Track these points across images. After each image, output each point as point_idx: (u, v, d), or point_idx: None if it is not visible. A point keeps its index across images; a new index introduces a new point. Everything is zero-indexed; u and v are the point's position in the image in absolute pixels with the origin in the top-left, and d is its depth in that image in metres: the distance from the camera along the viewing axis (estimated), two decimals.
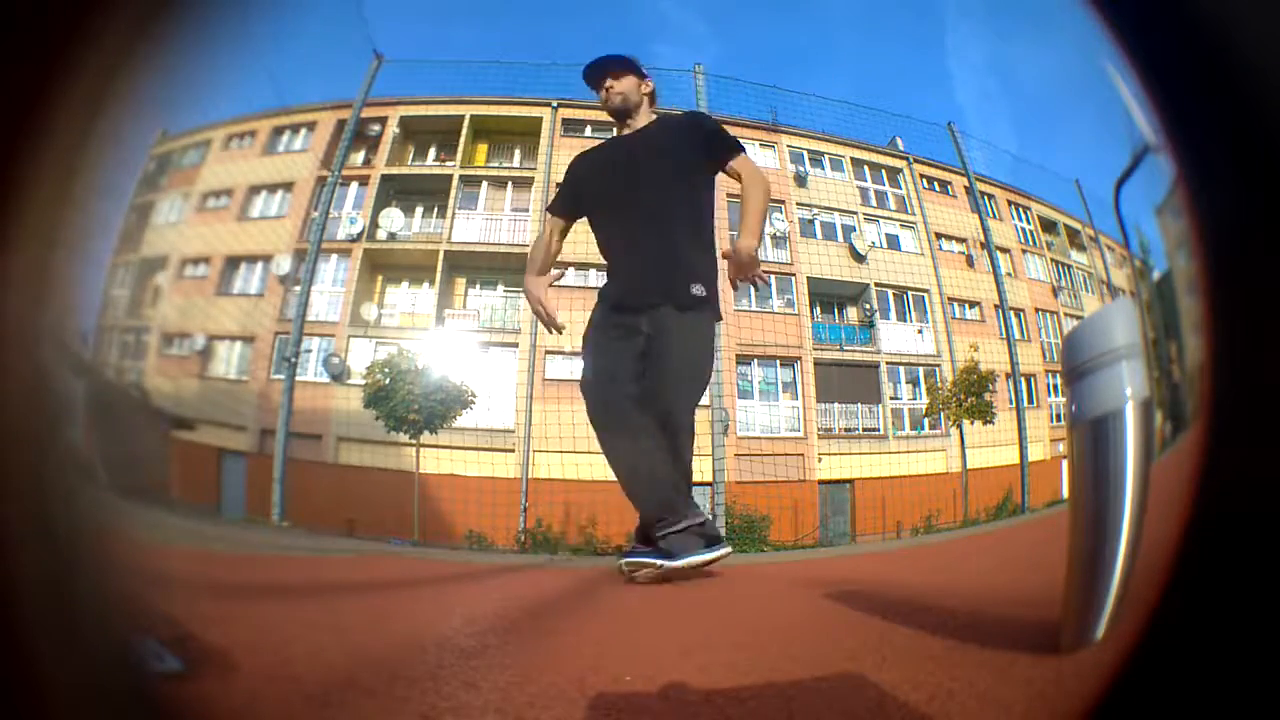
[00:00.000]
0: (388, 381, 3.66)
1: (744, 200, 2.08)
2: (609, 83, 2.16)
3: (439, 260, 4.66)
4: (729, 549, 1.95)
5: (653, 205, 2.07)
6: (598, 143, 2.37)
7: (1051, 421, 4.11)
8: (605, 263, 2.20)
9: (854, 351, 4.74)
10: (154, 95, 0.57)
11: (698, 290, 2.00)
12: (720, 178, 2.19)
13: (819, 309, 4.77)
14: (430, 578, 1.99)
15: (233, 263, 3.92)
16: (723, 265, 2.08)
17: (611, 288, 2.14)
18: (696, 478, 3.73)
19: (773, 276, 4.72)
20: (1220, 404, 0.55)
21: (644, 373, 2.01)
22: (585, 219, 2.27)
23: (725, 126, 2.24)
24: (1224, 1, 0.50)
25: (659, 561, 1.84)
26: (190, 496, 2.68)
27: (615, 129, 2.25)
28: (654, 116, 2.23)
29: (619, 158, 2.20)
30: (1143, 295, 0.93)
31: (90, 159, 0.51)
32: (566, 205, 2.29)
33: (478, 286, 4.80)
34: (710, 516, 2.10)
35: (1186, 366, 0.70)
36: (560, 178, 2.37)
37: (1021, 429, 3.95)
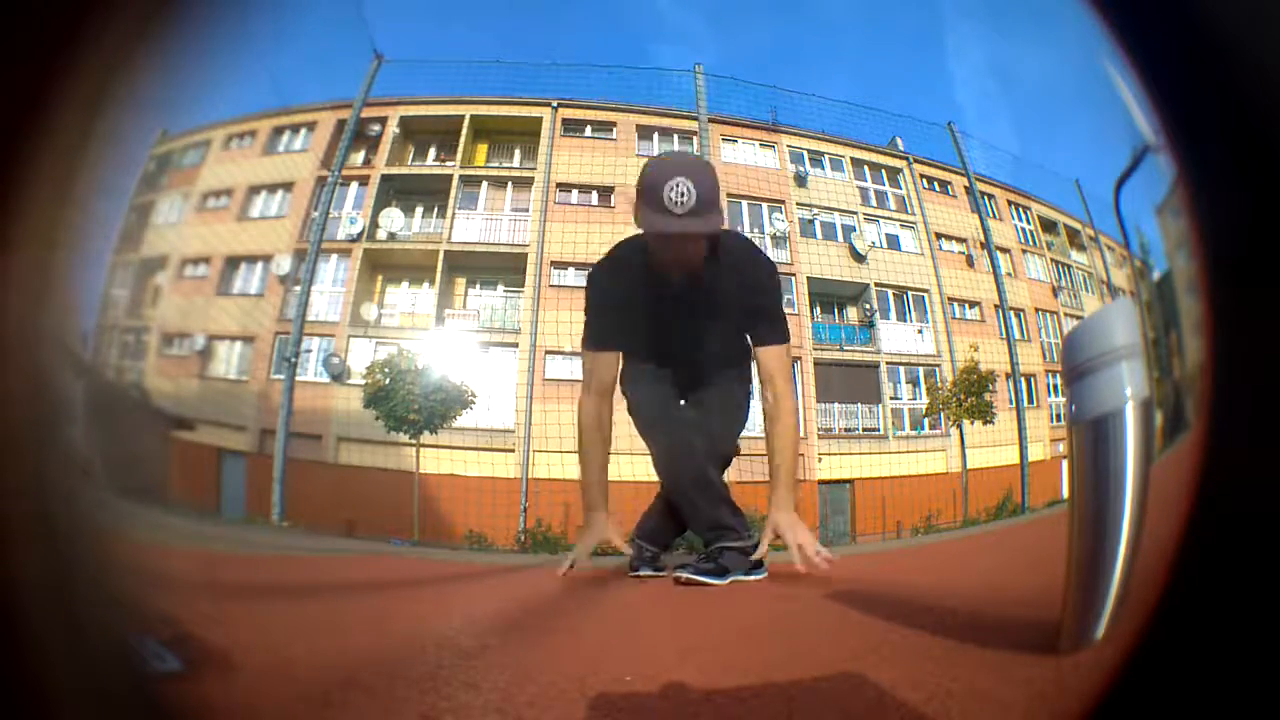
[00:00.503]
0: (388, 381, 3.65)
1: (772, 437, 1.97)
2: (683, 247, 1.69)
3: (439, 260, 4.66)
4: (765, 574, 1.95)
5: (701, 343, 1.94)
6: (625, 257, 1.90)
7: (1051, 421, 4.10)
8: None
9: (854, 351, 4.74)
10: (154, 95, 0.57)
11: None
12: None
13: (819, 309, 4.77)
14: (430, 578, 1.99)
15: (233, 263, 3.92)
16: None
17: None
18: None
19: None
20: (1220, 404, 0.55)
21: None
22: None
23: (777, 306, 1.97)
24: (1224, 1, 0.50)
25: (716, 582, 1.81)
26: (190, 496, 2.67)
27: (640, 267, 1.83)
28: (712, 247, 1.79)
29: (671, 312, 1.88)
30: (1143, 295, 0.92)
31: (90, 159, 0.51)
32: (613, 333, 1.92)
33: (478, 286, 4.80)
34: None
35: (1186, 366, 0.70)
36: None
37: (1021, 429, 3.95)
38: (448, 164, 4.95)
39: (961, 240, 4.89)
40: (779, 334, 1.91)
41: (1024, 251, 4.80)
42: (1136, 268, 0.96)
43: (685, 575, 1.81)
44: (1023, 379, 4.18)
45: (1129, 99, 0.61)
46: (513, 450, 4.08)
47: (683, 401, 2.06)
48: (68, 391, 0.69)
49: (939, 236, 4.92)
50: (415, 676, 0.83)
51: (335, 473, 3.93)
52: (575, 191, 4.78)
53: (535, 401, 4.16)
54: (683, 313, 1.88)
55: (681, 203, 1.60)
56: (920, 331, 4.77)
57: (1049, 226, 4.85)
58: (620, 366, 1.97)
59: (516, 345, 4.43)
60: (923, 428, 4.60)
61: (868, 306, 4.77)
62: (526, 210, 4.81)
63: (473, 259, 4.73)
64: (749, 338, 1.95)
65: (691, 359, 1.98)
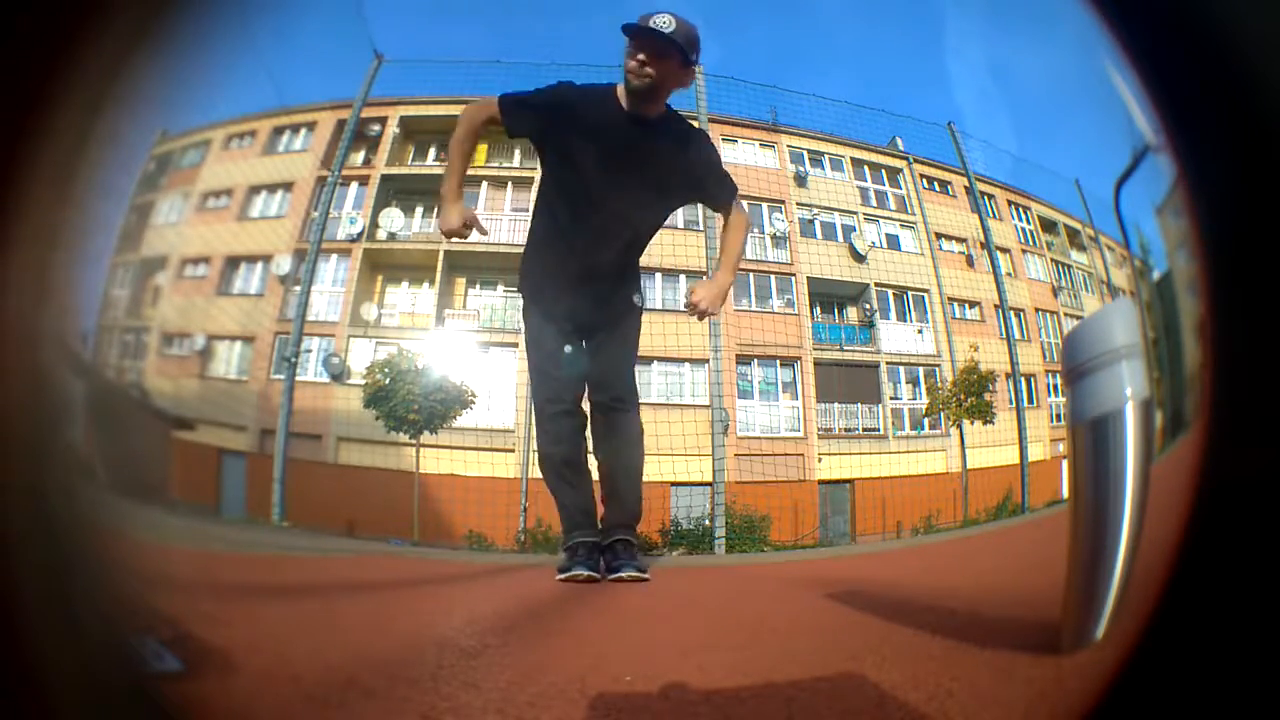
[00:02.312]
0: (388, 381, 3.65)
1: (727, 239, 2.03)
2: (643, 57, 1.80)
3: (439, 260, 4.66)
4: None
5: (628, 215, 1.97)
6: (597, 88, 1.97)
7: (1051, 421, 4.10)
8: (543, 222, 2.04)
9: (854, 351, 4.75)
10: (154, 95, 0.57)
11: (636, 300, 2.10)
12: None
13: (819, 309, 4.77)
14: (430, 578, 1.99)
15: (233, 263, 3.92)
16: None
17: (554, 265, 2.01)
18: (697, 477, 3.74)
19: (773, 276, 4.72)
20: (1220, 404, 0.55)
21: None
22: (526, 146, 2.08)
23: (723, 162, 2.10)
24: (1224, 1, 0.50)
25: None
26: (190, 496, 2.67)
27: (621, 94, 1.91)
28: (664, 109, 1.94)
29: (616, 142, 1.90)
30: (1143, 295, 0.92)
31: (90, 159, 0.51)
32: (529, 124, 1.94)
33: (478, 286, 4.80)
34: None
35: (1186, 366, 0.70)
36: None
37: (1021, 429, 3.95)
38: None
39: (961, 240, 4.89)
40: (728, 188, 2.06)
41: (1024, 251, 4.80)
42: (1136, 268, 0.96)
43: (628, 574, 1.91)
44: (1023, 379, 4.18)
45: (1129, 99, 0.61)
46: (513, 450, 4.08)
47: (571, 343, 2.04)
48: (68, 391, 0.69)
49: (939, 236, 4.92)
50: (415, 676, 0.83)
51: (335, 473, 3.93)
52: None
53: None
54: (626, 154, 1.92)
55: (663, 25, 1.78)
56: (920, 331, 4.77)
57: (1049, 226, 4.85)
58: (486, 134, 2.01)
59: (516, 345, 4.43)
60: (923, 428, 4.60)
61: (868, 306, 4.77)
62: (526, 210, 4.81)
63: (473, 259, 4.73)
64: (703, 202, 2.13)
65: (604, 240, 1.97)
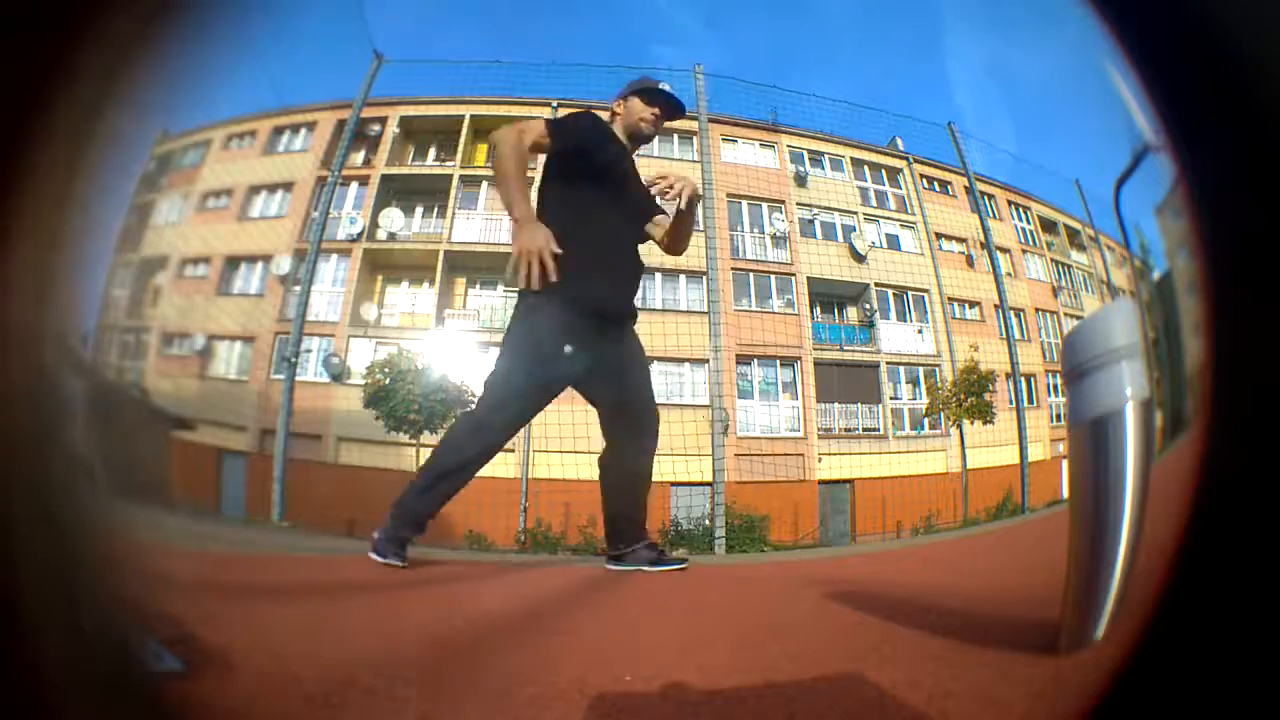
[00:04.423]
0: (388, 381, 3.65)
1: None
2: (658, 113, 2.19)
3: (439, 260, 4.67)
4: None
5: (632, 229, 2.21)
6: (604, 121, 2.29)
7: (1051, 421, 4.11)
8: (572, 254, 1.95)
9: (854, 351, 4.75)
10: (154, 95, 0.57)
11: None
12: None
13: (819, 309, 4.78)
14: (430, 578, 1.99)
15: (233, 263, 3.93)
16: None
17: (584, 291, 1.97)
18: (697, 477, 3.74)
19: (773, 277, 4.72)
20: (1220, 404, 0.55)
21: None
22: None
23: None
24: (1224, 1, 0.50)
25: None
26: (190, 496, 2.68)
27: (619, 128, 2.24)
28: None
29: (623, 168, 2.21)
30: (1143, 295, 0.93)
31: (90, 159, 0.51)
32: (574, 143, 2.13)
33: (478, 286, 4.80)
34: None
35: (1186, 366, 0.70)
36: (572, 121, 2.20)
37: (1021, 429, 3.95)
38: (448, 164, 4.95)
39: (961, 240, 4.90)
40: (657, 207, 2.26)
41: (1024, 251, 4.80)
42: (1136, 268, 0.96)
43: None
44: (1023, 379, 4.18)
45: (1129, 99, 0.61)
46: (513, 450, 4.08)
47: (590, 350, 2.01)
48: (69, 392, 0.69)
49: (939, 236, 4.92)
50: (415, 676, 0.83)
51: (335, 473, 3.93)
52: None
53: None
54: (626, 183, 2.19)
55: (674, 91, 2.22)
56: (920, 331, 4.77)
57: (1049, 226, 4.85)
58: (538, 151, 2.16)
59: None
60: (923, 428, 4.60)
61: (868, 306, 4.77)
62: None
63: (473, 259, 4.74)
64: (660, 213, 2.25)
65: (623, 247, 2.17)
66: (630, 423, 2.11)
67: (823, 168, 5.10)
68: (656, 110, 2.20)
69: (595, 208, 2.10)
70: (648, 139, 2.23)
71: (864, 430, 4.61)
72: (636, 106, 2.21)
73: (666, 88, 2.22)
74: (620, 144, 2.23)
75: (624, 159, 2.23)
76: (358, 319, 4.38)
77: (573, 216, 2.03)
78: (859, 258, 4.85)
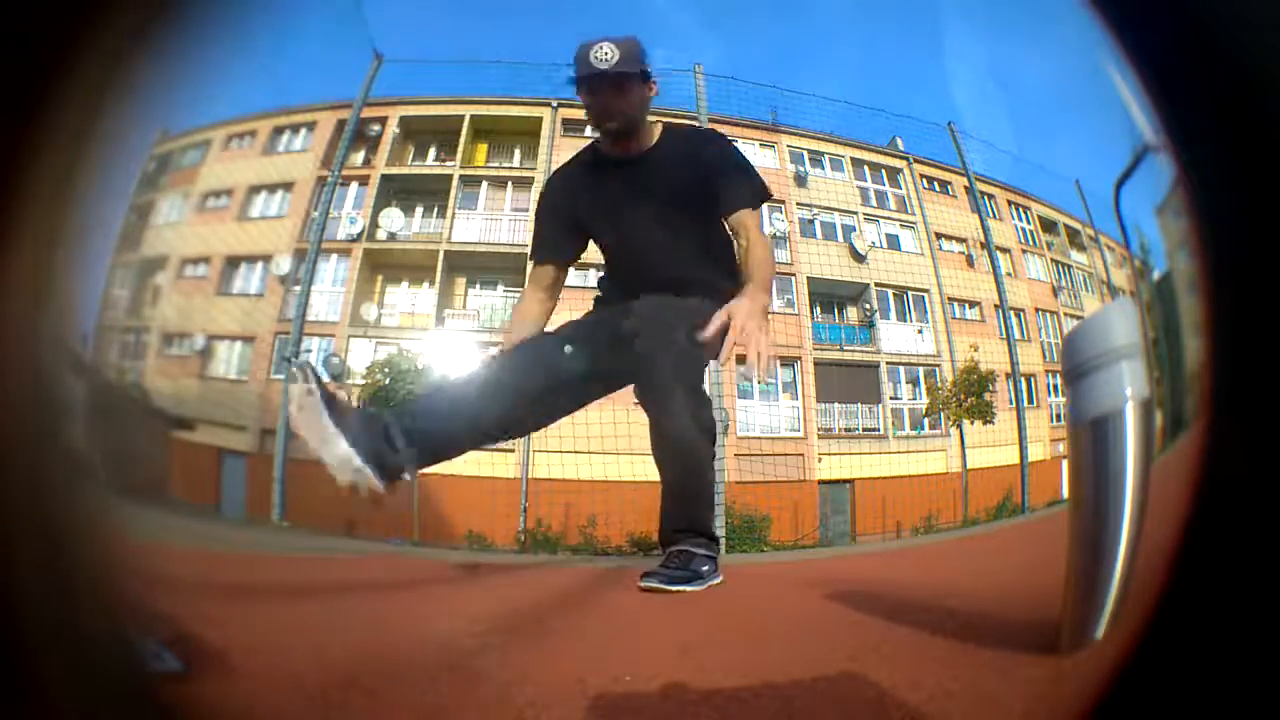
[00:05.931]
0: (388, 381, 3.66)
1: (749, 257, 1.68)
2: (608, 99, 1.65)
3: (439, 260, 4.67)
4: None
5: (665, 230, 1.74)
6: (576, 155, 1.85)
7: (1051, 421, 4.11)
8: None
9: (854, 351, 4.75)
10: (154, 95, 0.57)
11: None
12: None
13: (819, 309, 4.78)
14: (430, 578, 1.99)
15: (233, 263, 3.93)
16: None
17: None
18: None
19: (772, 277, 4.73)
20: (1220, 404, 0.55)
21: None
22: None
23: (747, 172, 1.78)
24: (1223, 2, 0.50)
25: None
26: (190, 496, 2.68)
27: (602, 145, 1.77)
28: (659, 131, 1.76)
29: (620, 198, 1.75)
30: (1143, 295, 0.92)
31: (90, 159, 0.51)
32: (565, 241, 1.83)
33: (478, 286, 4.81)
34: None
35: (1186, 366, 0.70)
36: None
37: (1021, 429, 3.95)
38: (448, 164, 4.95)
39: (961, 240, 4.90)
40: (745, 195, 1.72)
41: (1024, 251, 4.81)
42: (1136, 268, 0.96)
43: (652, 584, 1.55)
44: (1023, 379, 4.18)
45: (1129, 99, 0.61)
46: (513, 450, 4.08)
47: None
48: (68, 391, 0.69)
49: (939, 236, 4.92)
50: (415, 676, 0.83)
51: None
52: None
53: None
54: (634, 198, 1.73)
55: (605, 59, 1.62)
56: (920, 331, 4.78)
57: (1049, 226, 4.86)
58: (563, 278, 1.84)
59: None
60: (923, 428, 4.60)
61: (868, 306, 4.77)
62: (527, 210, 4.82)
63: (473, 259, 4.74)
64: (721, 204, 1.72)
65: (651, 256, 1.75)
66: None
67: (823, 168, 5.10)
68: (599, 99, 1.67)
69: (615, 249, 1.84)
70: (621, 133, 1.71)
71: (864, 430, 4.61)
72: (586, 109, 1.72)
73: (586, 68, 1.63)
74: (601, 169, 1.79)
75: (612, 180, 1.77)
76: (358, 319, 4.38)
77: (607, 268, 1.88)
78: (859, 258, 4.85)
